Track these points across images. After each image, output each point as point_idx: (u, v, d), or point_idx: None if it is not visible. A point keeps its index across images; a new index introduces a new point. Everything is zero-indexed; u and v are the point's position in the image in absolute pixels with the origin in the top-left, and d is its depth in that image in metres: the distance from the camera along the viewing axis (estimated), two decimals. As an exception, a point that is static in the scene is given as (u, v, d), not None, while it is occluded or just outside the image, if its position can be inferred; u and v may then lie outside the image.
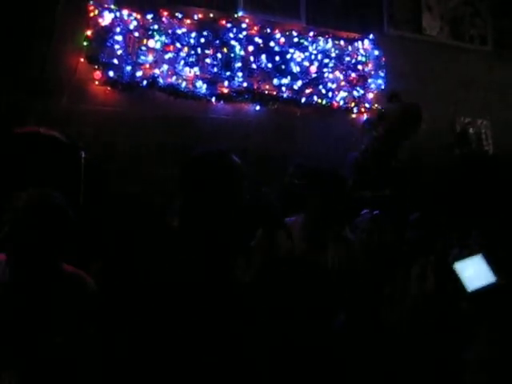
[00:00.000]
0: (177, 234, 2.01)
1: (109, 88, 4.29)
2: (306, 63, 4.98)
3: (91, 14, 4.23)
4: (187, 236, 1.97)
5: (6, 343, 1.88)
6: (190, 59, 4.51)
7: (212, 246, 1.96)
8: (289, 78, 4.88)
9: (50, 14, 4.10)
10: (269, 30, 4.89)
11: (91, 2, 4.24)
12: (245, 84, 4.70)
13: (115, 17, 4.28)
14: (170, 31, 4.47)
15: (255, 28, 4.85)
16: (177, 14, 4.53)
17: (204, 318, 1.86)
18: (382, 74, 5.33)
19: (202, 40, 4.57)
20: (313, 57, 5.03)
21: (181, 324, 1.83)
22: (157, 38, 4.40)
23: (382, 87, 5.32)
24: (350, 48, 5.24)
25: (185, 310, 1.85)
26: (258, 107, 4.84)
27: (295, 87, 4.90)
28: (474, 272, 2.65)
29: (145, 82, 4.34)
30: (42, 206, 1.99)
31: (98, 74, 4.22)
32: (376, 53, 5.35)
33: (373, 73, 5.32)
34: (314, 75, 5.01)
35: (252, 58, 4.76)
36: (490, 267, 2.65)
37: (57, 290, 2.02)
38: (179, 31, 4.50)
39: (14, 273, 1.98)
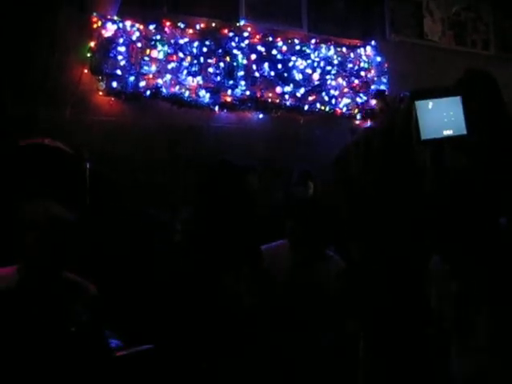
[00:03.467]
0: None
1: (112, 98, 4.32)
2: (309, 71, 5.00)
3: (94, 26, 4.27)
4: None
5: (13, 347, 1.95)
6: (193, 68, 4.53)
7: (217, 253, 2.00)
8: (291, 85, 4.89)
9: (51, 22, 4.14)
10: (271, 39, 4.91)
11: (94, 14, 4.28)
12: (248, 92, 4.71)
13: (118, 28, 4.32)
14: (172, 41, 4.50)
15: (257, 36, 4.87)
16: (179, 24, 4.56)
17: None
18: (384, 80, 5.33)
19: (205, 49, 4.60)
20: (315, 64, 5.04)
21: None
22: (159, 48, 4.43)
23: (385, 93, 5.31)
24: (352, 55, 5.26)
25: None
26: (261, 115, 4.86)
27: (298, 95, 4.91)
28: (441, 115, 2.07)
29: (148, 92, 4.36)
30: (50, 221, 2.03)
31: (101, 85, 4.25)
32: (378, 59, 5.36)
33: (375, 79, 5.32)
34: (316, 82, 5.02)
35: (254, 67, 4.77)
36: (465, 116, 2.07)
37: (61, 296, 2.08)
38: (182, 41, 4.53)
39: (23, 281, 2.04)
